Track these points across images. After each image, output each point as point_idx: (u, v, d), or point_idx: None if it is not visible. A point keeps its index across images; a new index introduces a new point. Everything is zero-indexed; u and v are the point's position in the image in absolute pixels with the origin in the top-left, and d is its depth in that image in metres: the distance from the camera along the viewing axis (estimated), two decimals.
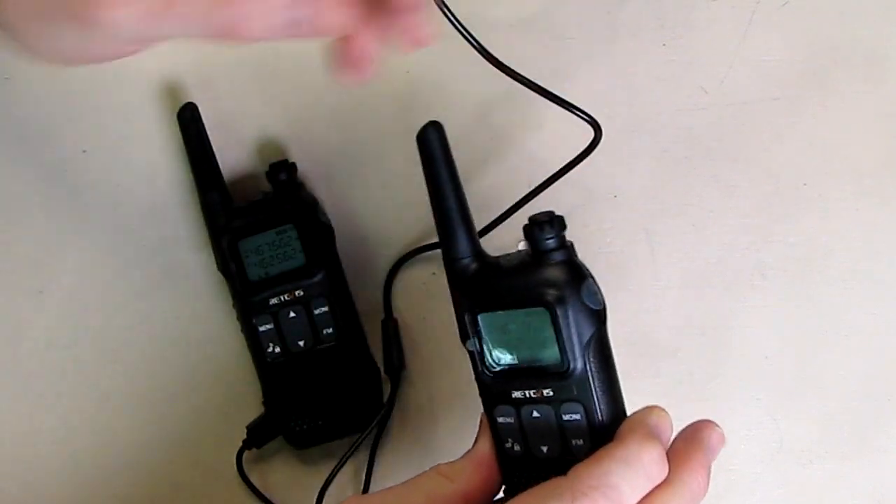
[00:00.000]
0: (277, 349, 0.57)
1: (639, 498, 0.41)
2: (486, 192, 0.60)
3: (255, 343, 0.57)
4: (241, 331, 0.58)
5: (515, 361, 0.45)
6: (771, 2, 0.63)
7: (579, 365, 0.43)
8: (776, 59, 0.62)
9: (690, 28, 0.62)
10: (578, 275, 0.44)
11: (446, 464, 0.46)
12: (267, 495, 0.59)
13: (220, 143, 0.59)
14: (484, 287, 0.45)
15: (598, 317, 0.44)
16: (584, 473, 0.41)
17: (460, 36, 0.51)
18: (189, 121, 0.58)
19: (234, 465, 0.59)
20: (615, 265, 0.61)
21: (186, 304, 0.60)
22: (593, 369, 0.44)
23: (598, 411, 0.44)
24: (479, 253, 0.46)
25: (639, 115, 0.62)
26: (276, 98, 0.61)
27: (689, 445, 0.44)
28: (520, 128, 0.62)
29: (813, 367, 0.61)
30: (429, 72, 0.62)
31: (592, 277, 0.45)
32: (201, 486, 0.60)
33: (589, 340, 0.44)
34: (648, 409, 0.45)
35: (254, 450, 0.59)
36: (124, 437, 0.59)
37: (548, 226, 0.44)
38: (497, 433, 0.46)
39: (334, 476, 0.58)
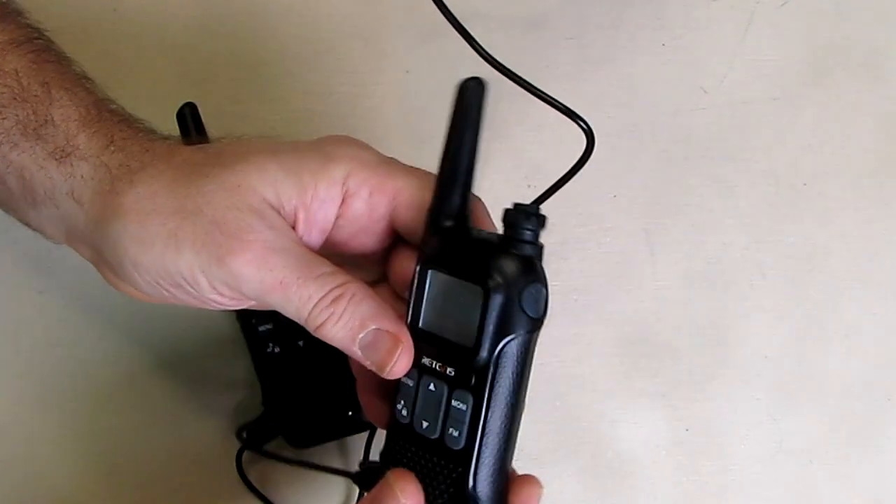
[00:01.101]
0: (277, 349, 0.57)
1: None
2: (484, 193, 0.59)
3: (255, 343, 0.57)
4: (241, 331, 0.58)
5: (439, 329, 0.44)
6: (771, 2, 0.63)
7: (485, 355, 0.42)
8: (776, 59, 0.63)
9: (690, 28, 0.63)
10: (531, 274, 0.43)
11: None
12: (267, 495, 0.59)
13: None
14: (446, 246, 0.44)
15: (531, 324, 0.43)
16: None
17: (460, 36, 0.51)
18: (189, 120, 0.58)
19: (234, 465, 0.59)
20: (615, 265, 0.61)
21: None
22: (499, 370, 0.42)
23: (485, 411, 0.43)
24: (463, 218, 0.45)
25: (639, 115, 0.62)
26: (276, 98, 0.61)
27: None
28: (518, 128, 0.62)
29: (813, 367, 0.61)
30: (428, 72, 0.62)
31: (546, 287, 0.43)
32: (201, 486, 0.60)
33: (508, 341, 0.42)
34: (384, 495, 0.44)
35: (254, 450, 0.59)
36: (124, 437, 0.59)
37: (530, 217, 0.43)
38: (396, 391, 0.45)
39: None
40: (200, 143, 0.54)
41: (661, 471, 0.60)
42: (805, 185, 0.62)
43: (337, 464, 0.60)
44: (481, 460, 0.43)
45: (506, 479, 0.44)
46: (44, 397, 0.59)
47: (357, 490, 0.59)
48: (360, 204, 0.46)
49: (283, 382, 0.58)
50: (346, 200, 0.46)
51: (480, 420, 0.43)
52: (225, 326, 0.60)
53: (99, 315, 0.60)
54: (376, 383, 0.47)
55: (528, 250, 0.43)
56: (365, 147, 0.48)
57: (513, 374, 0.43)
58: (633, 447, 0.60)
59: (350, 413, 0.58)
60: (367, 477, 0.52)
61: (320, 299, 0.43)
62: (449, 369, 0.43)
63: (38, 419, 0.59)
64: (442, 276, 0.44)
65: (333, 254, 0.48)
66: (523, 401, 0.44)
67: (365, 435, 0.59)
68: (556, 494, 0.60)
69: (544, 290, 0.43)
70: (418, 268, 0.45)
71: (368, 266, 0.50)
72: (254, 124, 0.61)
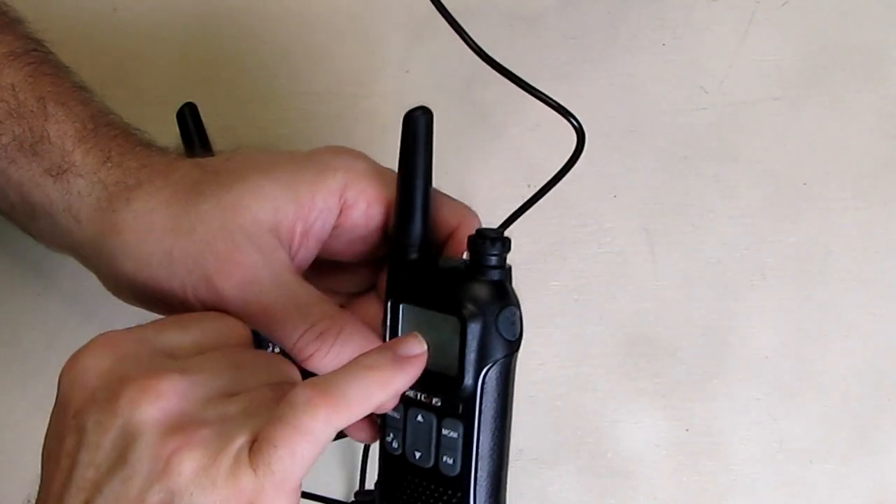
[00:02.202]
0: (277, 349, 0.57)
1: None
2: (484, 193, 0.60)
3: (254, 343, 0.57)
4: None
5: None
6: (771, 2, 0.63)
7: (470, 383, 0.43)
8: (776, 59, 0.62)
9: (690, 28, 0.62)
10: (504, 299, 0.43)
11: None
12: None
13: (219, 142, 0.59)
14: (416, 279, 0.45)
15: (509, 347, 0.43)
16: None
17: (458, 36, 0.51)
18: (188, 120, 0.58)
19: None
20: (615, 265, 0.61)
21: None
22: (484, 394, 0.43)
23: (476, 435, 0.43)
24: (426, 246, 0.45)
25: (639, 115, 0.62)
26: (275, 98, 0.61)
27: None
28: (516, 128, 0.62)
29: (813, 367, 0.61)
30: (428, 71, 0.62)
31: (518, 308, 0.44)
32: None
33: (491, 366, 0.43)
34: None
35: None
36: None
37: (495, 243, 0.43)
38: (384, 425, 0.46)
39: None
40: (202, 150, 0.54)
41: (661, 471, 0.60)
42: (805, 185, 0.62)
43: (337, 466, 0.60)
44: (479, 483, 0.43)
45: (504, 496, 0.44)
46: (44, 397, 0.59)
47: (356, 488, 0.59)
48: (358, 214, 0.46)
49: None
50: (343, 211, 0.46)
51: (473, 445, 0.43)
52: None
53: (99, 315, 0.60)
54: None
55: (496, 275, 0.43)
56: (361, 157, 0.47)
57: (498, 396, 0.43)
58: (633, 447, 0.60)
59: None
60: None
61: (306, 332, 0.43)
62: (435, 399, 0.44)
63: (38, 420, 0.59)
64: (415, 310, 0.44)
65: (328, 261, 0.48)
66: (510, 419, 0.44)
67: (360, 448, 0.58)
68: (556, 494, 0.60)
69: (517, 312, 0.44)
70: (389, 303, 0.45)
71: (362, 273, 0.49)
72: (254, 124, 0.61)
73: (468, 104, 0.62)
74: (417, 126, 0.44)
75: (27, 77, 0.47)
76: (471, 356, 0.42)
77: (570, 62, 0.62)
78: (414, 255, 0.45)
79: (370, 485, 0.58)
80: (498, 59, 0.48)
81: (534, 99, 0.47)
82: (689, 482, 0.60)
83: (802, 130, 0.62)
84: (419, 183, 0.45)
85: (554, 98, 0.47)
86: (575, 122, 0.49)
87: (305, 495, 0.56)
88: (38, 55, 0.49)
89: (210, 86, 0.61)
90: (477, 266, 0.43)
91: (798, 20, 0.62)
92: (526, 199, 0.50)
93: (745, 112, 0.62)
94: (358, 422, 0.47)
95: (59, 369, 0.59)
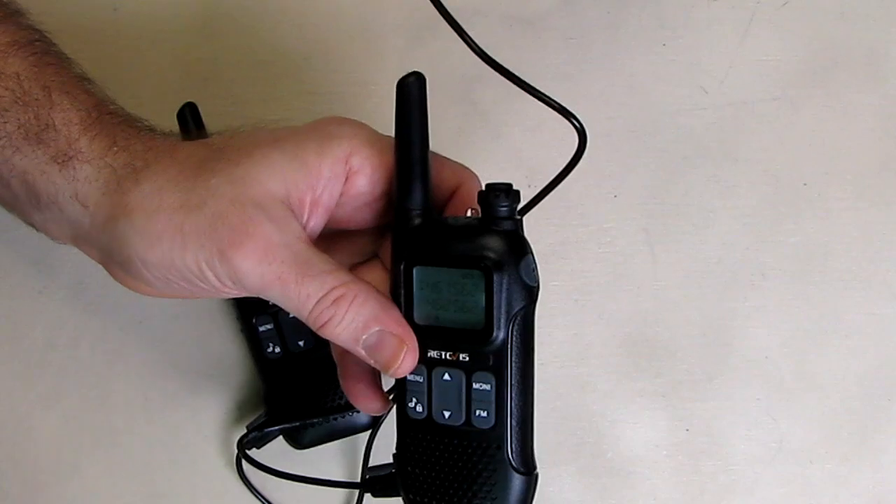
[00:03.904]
0: (277, 349, 0.57)
1: None
2: None
3: (255, 343, 0.57)
4: (241, 331, 0.58)
5: (438, 321, 0.45)
6: (771, 2, 0.63)
7: (501, 335, 0.43)
8: (776, 59, 0.63)
9: (690, 28, 0.63)
10: (521, 247, 0.44)
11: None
12: (266, 496, 0.59)
13: None
14: (426, 240, 0.45)
15: (531, 294, 0.44)
16: None
17: (459, 37, 0.51)
18: (189, 120, 0.58)
19: (234, 466, 0.59)
20: (615, 265, 0.61)
21: (186, 304, 0.60)
22: (513, 344, 0.44)
23: (509, 386, 0.44)
24: (428, 209, 0.46)
25: (639, 115, 0.62)
26: (275, 98, 0.61)
27: None
28: (517, 128, 0.62)
29: (813, 367, 0.61)
30: (428, 71, 0.62)
31: (533, 256, 0.45)
32: (201, 486, 0.60)
33: (516, 314, 0.43)
34: None
35: (254, 450, 0.59)
36: (124, 437, 0.59)
37: (504, 194, 0.44)
38: (403, 391, 0.46)
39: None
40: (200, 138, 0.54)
41: (661, 471, 0.60)
42: (805, 185, 0.62)
43: (337, 465, 0.60)
44: (513, 432, 0.44)
45: (532, 444, 0.45)
46: (44, 397, 0.59)
47: (357, 493, 0.59)
48: (363, 181, 0.47)
49: (284, 383, 0.58)
50: (349, 179, 0.46)
51: (506, 396, 0.44)
52: (226, 327, 0.60)
53: (99, 315, 0.60)
54: (361, 369, 0.47)
55: (510, 225, 0.44)
56: (363, 125, 0.48)
57: (524, 344, 0.44)
58: (632, 447, 0.60)
59: (352, 414, 0.58)
60: (378, 484, 0.52)
61: (321, 298, 0.44)
62: (462, 356, 0.44)
63: (37, 419, 0.59)
64: (430, 270, 0.44)
65: (334, 230, 0.48)
66: (534, 368, 0.45)
67: (364, 436, 0.59)
68: (556, 494, 0.60)
69: (532, 258, 0.44)
70: (402, 267, 0.45)
71: (364, 242, 0.50)
72: (254, 124, 0.61)
73: (469, 104, 0.62)
74: (410, 91, 0.45)
75: (32, 66, 0.47)
76: (500, 306, 0.43)
77: (570, 62, 0.62)
78: (417, 220, 0.45)
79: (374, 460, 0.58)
80: (499, 60, 0.48)
81: (534, 100, 0.47)
82: (689, 482, 0.60)
83: (802, 130, 0.62)
84: (416, 147, 0.45)
85: (555, 98, 0.48)
86: (576, 123, 0.49)
87: (314, 481, 0.56)
88: (41, 45, 0.49)
89: (210, 86, 0.61)
90: (491, 218, 0.44)
91: (798, 20, 0.63)
92: (528, 200, 0.50)
93: (744, 112, 0.62)
94: (367, 391, 0.47)
95: (61, 367, 0.59)
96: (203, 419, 0.60)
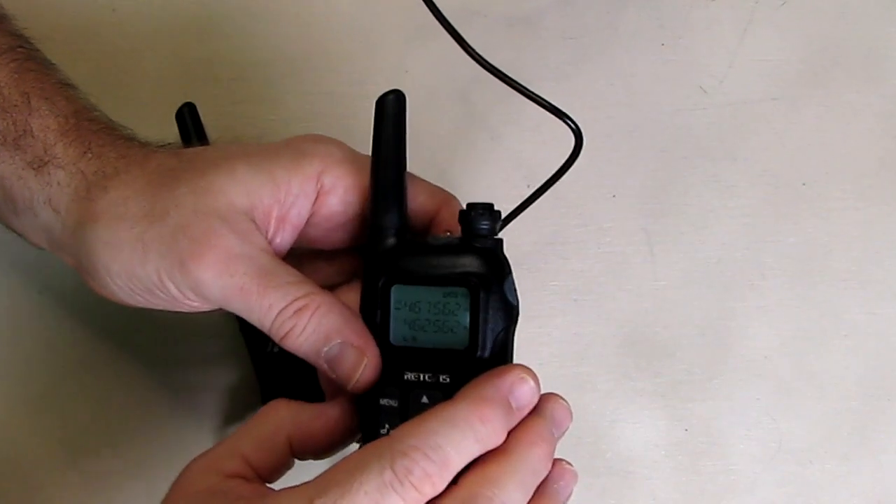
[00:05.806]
0: (276, 349, 0.57)
1: (466, 461, 0.38)
2: (483, 194, 0.59)
3: (254, 343, 0.57)
4: (240, 331, 0.58)
5: (416, 342, 0.44)
6: (770, 2, 0.63)
7: (486, 355, 0.42)
8: (776, 59, 0.63)
9: (690, 28, 0.63)
10: (504, 267, 0.44)
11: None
12: None
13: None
14: (405, 259, 0.44)
15: (513, 314, 0.43)
16: (407, 433, 0.38)
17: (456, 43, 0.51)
18: (188, 120, 0.58)
19: None
20: (615, 265, 0.61)
21: None
22: (496, 362, 0.42)
23: None
24: (404, 230, 0.45)
25: (638, 115, 0.62)
26: (275, 98, 0.61)
27: (530, 416, 0.42)
28: (514, 128, 0.62)
29: (813, 367, 0.61)
30: (427, 71, 0.62)
31: (513, 276, 0.44)
32: None
33: (499, 334, 0.43)
34: (507, 369, 0.41)
35: None
36: (124, 437, 0.59)
37: (486, 213, 0.44)
38: (373, 416, 0.44)
39: None
40: (200, 142, 0.54)
41: (660, 471, 0.60)
42: (805, 185, 0.62)
43: None
44: None
45: None
46: (43, 397, 0.59)
47: None
48: (335, 201, 0.46)
49: (282, 383, 0.58)
50: (320, 197, 0.46)
51: None
52: (224, 326, 0.60)
53: (98, 315, 0.60)
54: (346, 398, 0.46)
55: (492, 244, 0.44)
56: (339, 144, 0.47)
57: (507, 363, 0.43)
58: (632, 447, 0.60)
59: None
60: None
61: (282, 309, 0.43)
62: (443, 377, 0.43)
63: (37, 419, 0.59)
64: (409, 289, 0.44)
65: (308, 251, 0.48)
66: None
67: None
68: None
69: (513, 279, 0.44)
70: (379, 285, 0.44)
71: (342, 263, 0.49)
72: (253, 124, 0.61)
73: (467, 104, 0.62)
74: (388, 108, 0.44)
75: (12, 73, 0.48)
76: (486, 324, 0.42)
77: (569, 62, 0.62)
78: (391, 241, 0.45)
79: None
80: (498, 60, 0.48)
81: (530, 101, 0.48)
82: (689, 482, 0.60)
83: (802, 130, 0.62)
84: (392, 166, 0.44)
85: (550, 100, 0.48)
86: (572, 124, 0.49)
87: None
88: (23, 52, 0.49)
89: (210, 86, 0.61)
90: (474, 237, 0.43)
91: (797, 20, 0.63)
92: (524, 199, 0.50)
93: (744, 112, 0.62)
94: (329, 423, 0.45)
95: (59, 369, 0.59)
96: (203, 418, 0.60)
